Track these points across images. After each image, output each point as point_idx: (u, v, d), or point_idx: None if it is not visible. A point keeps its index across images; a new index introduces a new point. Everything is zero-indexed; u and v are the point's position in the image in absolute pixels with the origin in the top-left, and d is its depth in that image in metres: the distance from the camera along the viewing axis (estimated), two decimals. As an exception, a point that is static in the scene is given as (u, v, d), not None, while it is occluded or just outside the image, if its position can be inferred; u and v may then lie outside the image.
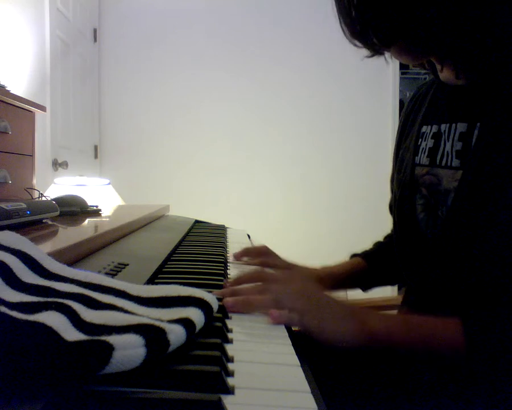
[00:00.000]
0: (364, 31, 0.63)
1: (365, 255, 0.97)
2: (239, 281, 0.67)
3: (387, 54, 0.68)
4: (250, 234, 1.41)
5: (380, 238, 1.01)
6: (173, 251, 0.93)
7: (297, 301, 0.60)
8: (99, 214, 1.22)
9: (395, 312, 1.02)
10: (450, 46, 0.65)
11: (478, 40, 0.62)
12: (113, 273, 0.64)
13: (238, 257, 0.95)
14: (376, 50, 0.65)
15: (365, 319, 0.60)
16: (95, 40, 3.08)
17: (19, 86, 1.95)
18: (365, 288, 0.98)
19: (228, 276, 0.81)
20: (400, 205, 0.79)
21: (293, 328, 0.58)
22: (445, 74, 0.73)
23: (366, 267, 0.95)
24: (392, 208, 0.90)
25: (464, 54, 0.66)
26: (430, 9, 0.59)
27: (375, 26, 0.62)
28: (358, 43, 0.65)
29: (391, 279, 0.99)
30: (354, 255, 0.98)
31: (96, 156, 3.14)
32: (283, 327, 0.56)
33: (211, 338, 0.46)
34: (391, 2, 0.60)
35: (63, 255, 0.61)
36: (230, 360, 0.44)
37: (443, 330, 0.59)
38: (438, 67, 0.73)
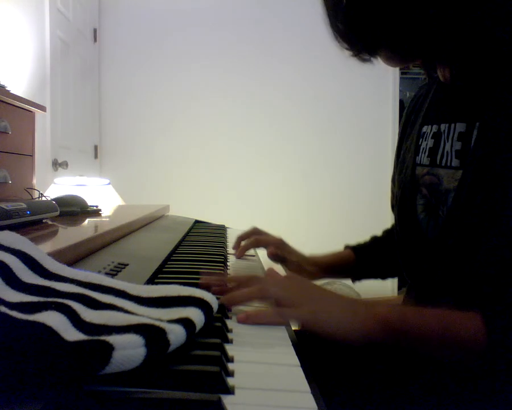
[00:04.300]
0: (349, 36, 0.65)
1: (356, 248, 1.00)
2: (231, 279, 0.64)
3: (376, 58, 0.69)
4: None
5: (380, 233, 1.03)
6: (173, 251, 0.93)
7: (288, 291, 0.57)
8: (99, 214, 1.22)
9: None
10: (433, 50, 0.66)
11: (462, 43, 0.64)
12: (113, 273, 0.64)
13: (237, 248, 1.00)
14: (361, 53, 0.67)
15: (373, 306, 0.56)
16: (95, 40, 3.08)
17: (19, 86, 1.95)
18: (354, 279, 1.01)
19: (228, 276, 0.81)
20: (401, 205, 0.79)
21: (293, 328, 0.57)
22: (443, 75, 0.74)
23: (354, 260, 0.98)
24: (393, 208, 0.91)
25: (449, 56, 0.67)
26: (412, 15, 0.60)
27: (360, 32, 0.64)
28: (344, 45, 0.67)
29: (379, 273, 1.01)
30: (346, 247, 1.01)
31: (96, 156, 3.14)
32: (283, 326, 0.55)
33: (211, 338, 0.46)
34: (374, 10, 0.61)
35: (63, 255, 0.61)
36: (230, 360, 0.44)
37: (461, 320, 0.56)
38: (440, 69, 0.74)
